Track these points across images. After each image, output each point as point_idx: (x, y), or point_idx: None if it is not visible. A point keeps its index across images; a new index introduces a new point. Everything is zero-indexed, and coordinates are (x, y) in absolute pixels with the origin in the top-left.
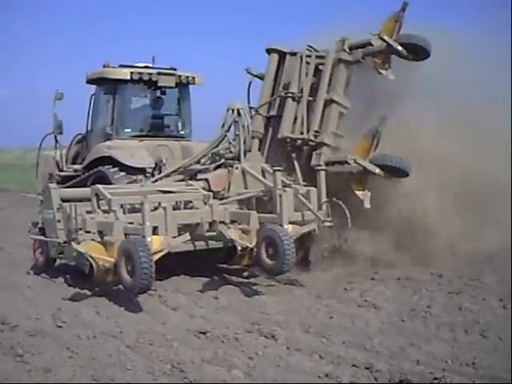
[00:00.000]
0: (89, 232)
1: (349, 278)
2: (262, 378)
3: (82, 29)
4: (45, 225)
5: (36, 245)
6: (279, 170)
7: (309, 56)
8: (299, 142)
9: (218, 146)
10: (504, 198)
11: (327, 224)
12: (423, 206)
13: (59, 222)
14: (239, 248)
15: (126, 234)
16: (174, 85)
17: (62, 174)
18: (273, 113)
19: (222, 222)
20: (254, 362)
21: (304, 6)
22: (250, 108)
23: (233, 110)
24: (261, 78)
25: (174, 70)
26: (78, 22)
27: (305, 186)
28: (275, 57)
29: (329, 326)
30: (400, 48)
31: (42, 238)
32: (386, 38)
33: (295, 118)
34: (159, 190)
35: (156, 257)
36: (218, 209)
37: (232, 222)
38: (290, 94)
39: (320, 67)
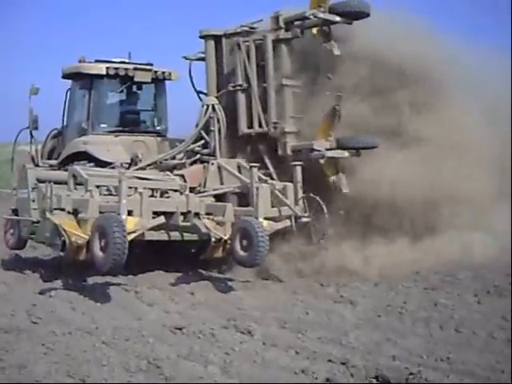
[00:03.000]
0: (63, 210)
1: (325, 274)
2: (239, 373)
3: (58, 23)
4: (18, 205)
5: (8, 225)
6: (255, 166)
7: (246, 41)
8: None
9: (194, 143)
10: None
11: (304, 220)
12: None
13: (33, 201)
14: (213, 239)
15: (100, 212)
16: (150, 80)
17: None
18: (224, 104)
19: (196, 214)
20: (230, 358)
21: None
22: (200, 93)
23: (207, 106)
24: (201, 59)
25: (151, 65)
26: (55, 16)
27: (282, 181)
28: (211, 43)
29: (305, 321)
30: (338, 19)
31: (15, 217)
32: (321, 15)
33: (250, 110)
34: (136, 177)
35: (130, 237)
36: (193, 200)
37: (207, 214)
38: (238, 87)
39: (260, 49)
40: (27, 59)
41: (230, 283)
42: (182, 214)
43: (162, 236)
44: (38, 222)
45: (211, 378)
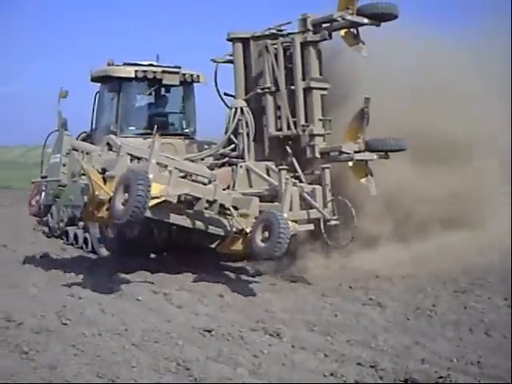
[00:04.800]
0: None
1: (354, 276)
2: (267, 376)
3: (87, 26)
4: (49, 169)
5: (34, 192)
6: (284, 169)
7: (274, 43)
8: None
9: (224, 147)
10: None
11: (333, 222)
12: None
13: (64, 165)
14: (234, 229)
15: None
16: (178, 83)
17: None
18: (253, 105)
19: (222, 206)
20: (258, 360)
21: None
22: (227, 95)
23: (236, 109)
24: (229, 62)
25: (179, 68)
26: (83, 19)
27: (309, 183)
28: (239, 45)
29: (334, 324)
30: (366, 21)
31: (43, 179)
32: (349, 17)
33: (279, 113)
34: (168, 157)
35: (153, 202)
36: (221, 191)
37: (233, 208)
38: (266, 90)
39: (288, 51)
40: (56, 62)
41: (258, 286)
42: (208, 202)
43: (184, 221)
44: (64, 186)
45: (240, 379)
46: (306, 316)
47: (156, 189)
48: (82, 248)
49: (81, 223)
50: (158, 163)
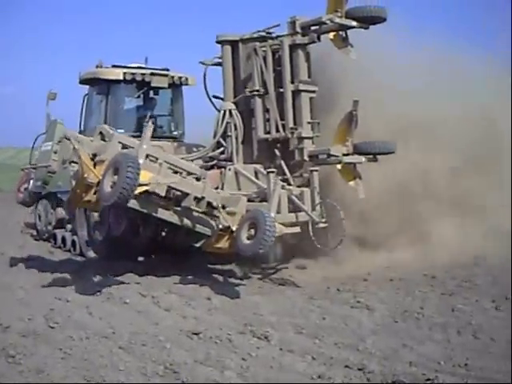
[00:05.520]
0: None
1: (342, 279)
2: (255, 379)
3: (75, 27)
4: (40, 157)
5: (23, 179)
6: (273, 172)
7: (263, 46)
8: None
9: (213, 151)
10: None
11: (322, 225)
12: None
13: (55, 153)
14: (220, 226)
15: None
16: (166, 85)
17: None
18: (242, 108)
19: (210, 204)
20: (246, 363)
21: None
22: (216, 98)
23: (225, 111)
24: (218, 64)
25: (167, 70)
26: (72, 21)
27: (298, 186)
28: (228, 48)
29: (321, 327)
30: (355, 24)
31: (33, 166)
32: (338, 20)
33: (267, 115)
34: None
35: (140, 189)
36: (209, 189)
37: (222, 207)
38: (255, 92)
39: (277, 54)
40: (51, 63)
41: (246, 288)
42: (196, 199)
43: (172, 217)
44: (54, 173)
45: (228, 382)
46: (293, 319)
47: (145, 176)
48: (69, 251)
49: (69, 226)
50: (148, 155)
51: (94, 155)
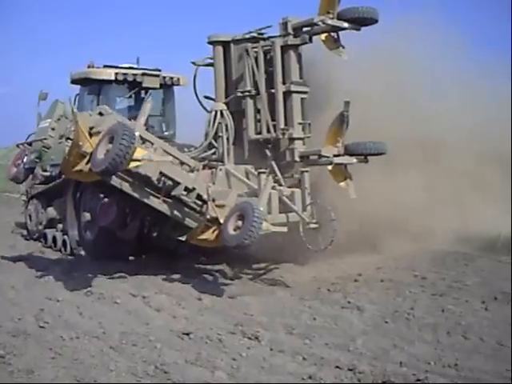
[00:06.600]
0: None
1: (332, 280)
2: (246, 379)
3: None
4: (37, 133)
5: (18, 156)
6: (263, 172)
7: (254, 47)
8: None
9: (204, 152)
10: None
11: (312, 226)
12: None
13: (53, 129)
14: (208, 217)
15: None
16: (158, 86)
17: (46, 174)
18: (233, 109)
19: (200, 197)
20: (237, 364)
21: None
22: (206, 97)
23: (216, 112)
24: (209, 65)
25: (159, 70)
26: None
27: (288, 187)
28: (219, 49)
29: (312, 327)
30: (346, 25)
31: (29, 141)
32: (329, 21)
33: (259, 116)
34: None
35: (132, 164)
36: (201, 181)
37: (212, 200)
38: (246, 93)
39: (269, 55)
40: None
41: (237, 288)
42: (187, 189)
43: (161, 206)
44: (49, 148)
45: (218, 383)
46: (284, 319)
47: (139, 152)
48: (60, 251)
49: (59, 225)
50: (144, 139)
51: (91, 129)
